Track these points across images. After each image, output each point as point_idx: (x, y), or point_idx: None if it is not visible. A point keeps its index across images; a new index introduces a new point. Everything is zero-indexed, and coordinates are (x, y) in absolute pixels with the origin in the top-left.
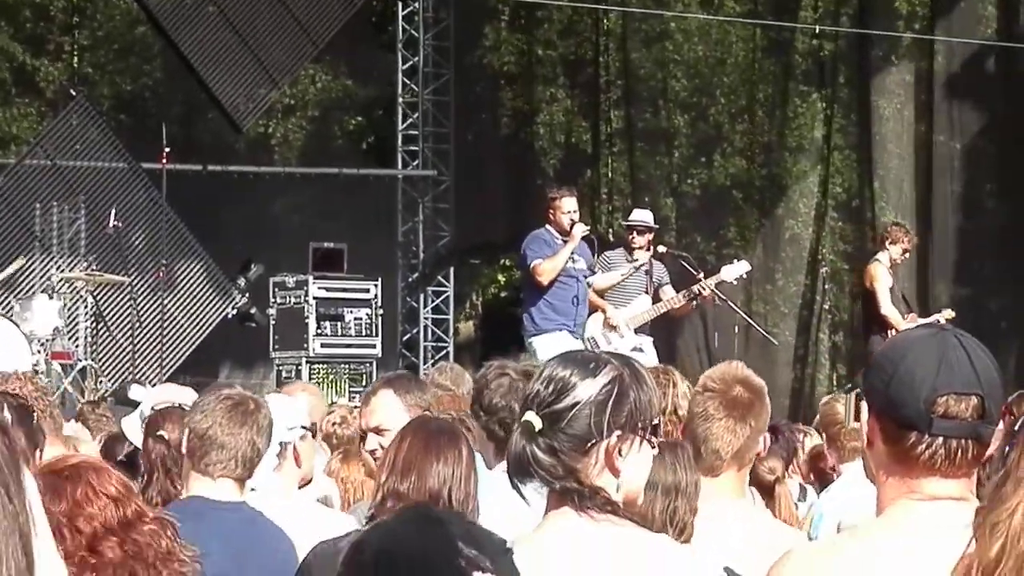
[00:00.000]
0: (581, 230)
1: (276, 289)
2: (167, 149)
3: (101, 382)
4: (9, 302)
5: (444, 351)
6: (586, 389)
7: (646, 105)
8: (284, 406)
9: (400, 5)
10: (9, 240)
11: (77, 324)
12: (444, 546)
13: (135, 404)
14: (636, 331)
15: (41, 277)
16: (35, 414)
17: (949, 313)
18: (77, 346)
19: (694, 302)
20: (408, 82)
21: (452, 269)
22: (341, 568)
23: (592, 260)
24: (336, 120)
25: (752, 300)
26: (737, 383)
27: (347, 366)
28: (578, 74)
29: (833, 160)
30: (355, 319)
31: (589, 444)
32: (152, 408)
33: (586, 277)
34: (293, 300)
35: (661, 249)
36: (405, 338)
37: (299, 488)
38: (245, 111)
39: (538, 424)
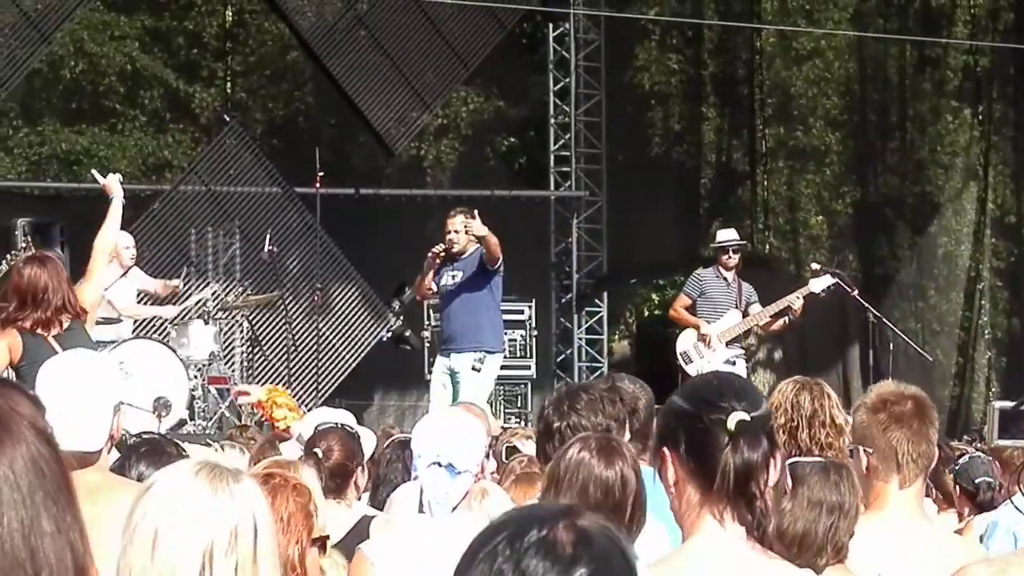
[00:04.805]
0: (438, 249)
1: (431, 312)
2: (321, 173)
3: None
4: (166, 328)
5: (599, 371)
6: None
7: (797, 123)
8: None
9: (551, 27)
10: (165, 265)
11: (233, 349)
12: None
13: None
14: (727, 345)
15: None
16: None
17: None
18: (233, 371)
19: (787, 317)
20: (560, 103)
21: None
22: None
23: (474, 270)
24: (488, 142)
25: (905, 317)
26: (908, 397)
27: (502, 388)
28: (729, 93)
29: (987, 176)
30: (509, 341)
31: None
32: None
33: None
34: None
35: (815, 266)
36: (560, 359)
37: None
38: (397, 134)
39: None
